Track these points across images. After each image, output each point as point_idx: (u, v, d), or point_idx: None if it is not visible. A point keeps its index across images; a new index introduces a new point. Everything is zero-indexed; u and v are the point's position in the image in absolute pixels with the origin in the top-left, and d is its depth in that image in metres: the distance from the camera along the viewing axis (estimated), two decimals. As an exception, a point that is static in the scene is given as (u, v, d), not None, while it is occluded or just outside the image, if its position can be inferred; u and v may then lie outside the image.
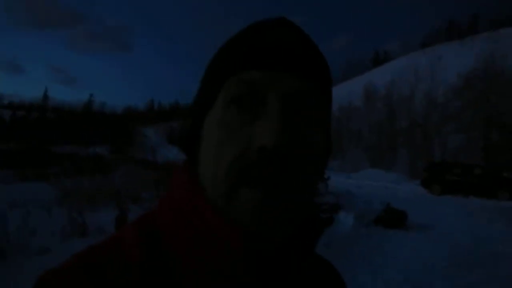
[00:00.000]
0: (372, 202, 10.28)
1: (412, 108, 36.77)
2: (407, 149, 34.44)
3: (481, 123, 29.37)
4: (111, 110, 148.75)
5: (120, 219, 5.96)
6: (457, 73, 34.29)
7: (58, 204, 7.93)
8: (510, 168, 18.81)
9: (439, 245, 6.68)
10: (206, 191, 0.42)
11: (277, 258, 0.41)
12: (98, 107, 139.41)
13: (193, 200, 0.42)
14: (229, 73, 0.42)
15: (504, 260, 5.73)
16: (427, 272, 5.13)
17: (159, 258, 0.40)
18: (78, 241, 5.31)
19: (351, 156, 39.27)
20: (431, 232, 7.73)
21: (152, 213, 0.47)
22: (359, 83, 52.89)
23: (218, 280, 0.39)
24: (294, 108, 0.40)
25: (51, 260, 4.08)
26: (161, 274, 0.39)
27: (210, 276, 0.39)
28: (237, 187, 0.38)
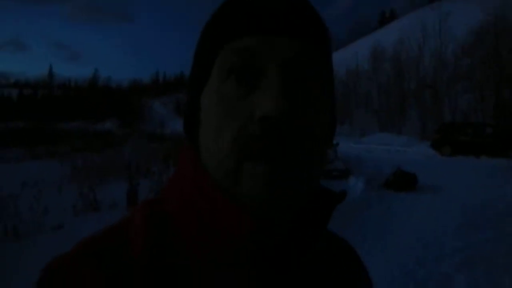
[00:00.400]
0: (382, 166, 10.25)
1: (421, 68, 36.03)
2: (417, 111, 34.04)
3: (492, 81, 28.73)
4: (117, 84, 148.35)
5: (131, 193, 6.01)
6: (467, 29, 33.23)
7: (69, 180, 8.04)
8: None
9: (450, 206, 6.66)
10: (210, 171, 0.40)
11: (284, 246, 0.40)
12: (103, 82, 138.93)
13: (198, 182, 0.41)
14: (222, 42, 0.40)
15: (516, 218, 5.70)
16: (439, 233, 5.14)
17: (166, 243, 0.39)
18: (91, 215, 5.40)
19: (360, 120, 39.01)
20: (442, 193, 7.70)
21: (161, 195, 0.46)
22: (366, 45, 51.66)
23: (223, 267, 0.39)
24: (295, 74, 0.38)
25: (65, 235, 4.15)
26: (168, 259, 0.39)
27: (216, 263, 0.39)
28: (242, 162, 0.36)
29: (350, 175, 9.01)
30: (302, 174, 0.37)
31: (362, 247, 4.62)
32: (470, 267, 4.02)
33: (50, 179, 8.09)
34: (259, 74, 0.37)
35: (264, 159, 0.35)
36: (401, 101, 36.27)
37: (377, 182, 8.36)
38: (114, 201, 6.04)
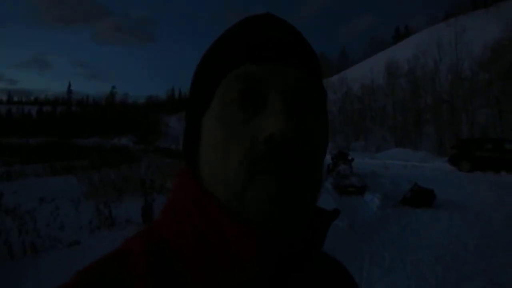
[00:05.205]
0: (399, 182, 10.10)
1: (437, 83, 35.66)
2: (433, 127, 33.58)
3: (511, 96, 28.20)
4: (133, 101, 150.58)
5: (146, 209, 6.03)
6: (483, 44, 32.89)
7: (85, 197, 8.11)
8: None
9: (470, 223, 6.49)
10: (216, 193, 0.40)
11: (283, 266, 0.40)
12: (121, 98, 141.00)
13: (202, 204, 0.41)
14: (226, 69, 0.42)
15: (540, 238, 5.51)
16: (459, 253, 5.00)
17: (166, 271, 0.39)
18: (106, 232, 5.42)
19: (375, 135, 38.65)
20: (462, 210, 7.52)
21: (157, 222, 0.46)
22: (381, 60, 51.41)
23: None
24: (295, 97, 0.41)
25: (81, 252, 4.18)
26: (171, 285, 0.38)
27: (221, 286, 0.39)
28: (251, 180, 0.37)
29: (366, 191, 8.89)
30: (309, 188, 0.40)
31: (381, 265, 4.52)
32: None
33: (67, 194, 8.18)
34: (262, 99, 0.39)
35: (275, 174, 0.36)
36: (417, 116, 35.86)
37: (394, 199, 8.23)
38: (129, 217, 6.06)
